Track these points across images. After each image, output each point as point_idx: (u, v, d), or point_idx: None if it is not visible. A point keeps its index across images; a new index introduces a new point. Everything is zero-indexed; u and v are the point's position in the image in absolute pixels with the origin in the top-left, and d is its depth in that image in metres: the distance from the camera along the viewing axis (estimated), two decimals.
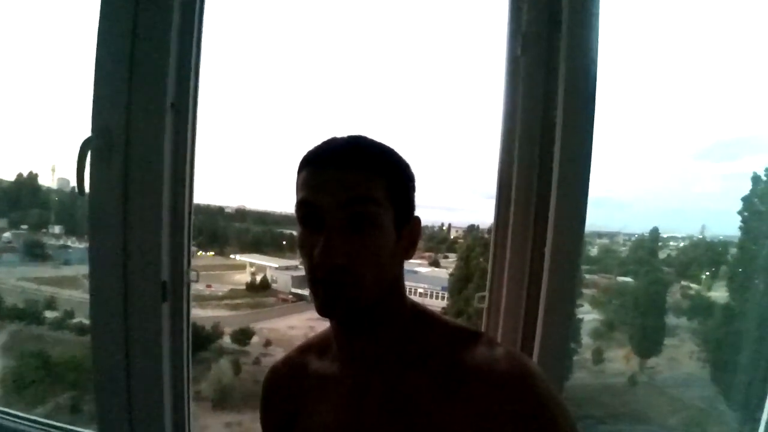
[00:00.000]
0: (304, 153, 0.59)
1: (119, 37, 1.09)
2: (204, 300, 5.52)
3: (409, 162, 0.62)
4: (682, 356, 3.28)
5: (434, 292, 4.27)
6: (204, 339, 4.45)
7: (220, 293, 5.78)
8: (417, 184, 0.63)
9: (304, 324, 5.12)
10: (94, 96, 1.11)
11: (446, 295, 4.05)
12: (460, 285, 3.63)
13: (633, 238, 3.83)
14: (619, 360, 3.47)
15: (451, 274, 4.05)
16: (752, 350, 2.18)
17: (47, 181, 3.59)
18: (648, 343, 3.34)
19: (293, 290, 5.67)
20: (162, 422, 1.15)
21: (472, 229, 4.45)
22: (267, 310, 5.67)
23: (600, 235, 3.80)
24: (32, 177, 3.49)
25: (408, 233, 0.61)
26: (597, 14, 0.95)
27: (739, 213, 2.48)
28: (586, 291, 3.56)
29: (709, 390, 2.77)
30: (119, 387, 1.14)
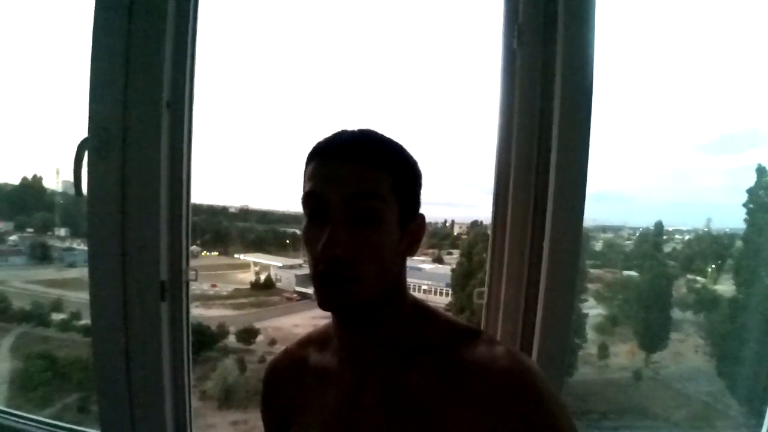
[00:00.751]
0: (313, 144, 0.59)
1: (115, 35, 1.09)
2: (209, 299, 5.55)
3: (417, 159, 0.62)
4: (687, 350, 3.26)
5: (438, 288, 4.27)
6: (209, 338, 4.47)
7: (224, 293, 5.81)
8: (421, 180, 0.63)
9: (309, 322, 5.14)
10: (90, 96, 1.11)
11: (450, 292, 4.05)
12: (463, 281, 3.63)
13: (638, 232, 3.81)
14: (624, 355, 3.46)
15: (453, 270, 4.05)
16: (758, 344, 2.16)
17: (52, 183, 3.62)
18: (653, 337, 3.32)
19: (297, 289, 5.69)
20: (163, 420, 1.16)
21: (475, 224, 4.44)
22: (271, 308, 5.70)
23: (604, 229, 3.78)
24: (37, 180, 3.51)
25: (412, 230, 0.61)
26: (593, 5, 0.94)
27: (744, 205, 2.46)
28: (590, 285, 3.55)
29: (715, 384, 2.75)
30: (120, 386, 1.14)
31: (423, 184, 0.63)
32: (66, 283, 3.93)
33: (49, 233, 3.94)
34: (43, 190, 3.63)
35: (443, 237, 5.33)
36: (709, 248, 3.47)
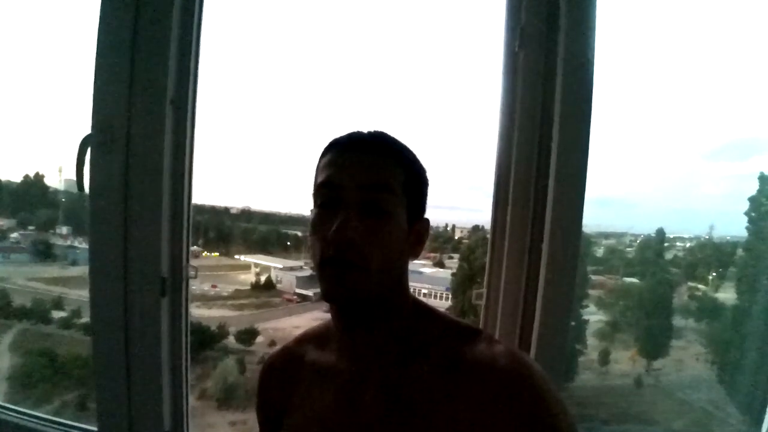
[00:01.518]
0: (329, 140, 0.61)
1: (120, 32, 1.10)
2: (209, 300, 5.55)
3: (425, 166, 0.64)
4: (688, 358, 3.24)
5: (438, 292, 4.26)
6: (209, 338, 4.47)
7: (225, 293, 5.81)
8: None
9: (309, 323, 5.10)
10: (94, 92, 1.12)
11: (450, 296, 4.04)
12: (463, 285, 3.62)
13: (640, 239, 3.80)
14: (625, 361, 3.44)
15: (453, 275, 4.05)
16: (760, 352, 2.15)
17: (54, 181, 3.63)
18: (654, 344, 3.30)
19: (298, 290, 5.69)
20: (161, 416, 1.16)
21: (476, 229, 4.43)
22: (272, 310, 5.70)
23: (606, 235, 3.77)
24: (39, 178, 3.53)
25: (417, 232, 0.62)
26: (595, 8, 0.94)
27: (746, 213, 2.45)
28: (592, 292, 3.54)
29: (716, 392, 2.73)
30: (119, 381, 1.14)
31: (429, 192, 0.65)
32: (67, 281, 3.94)
33: (52, 231, 3.95)
34: (45, 187, 3.64)
35: (444, 241, 5.32)
36: (710, 256, 3.46)
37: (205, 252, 5.83)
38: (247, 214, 6.40)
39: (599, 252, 3.68)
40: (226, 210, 6.28)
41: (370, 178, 0.56)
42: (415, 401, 0.56)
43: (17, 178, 3.55)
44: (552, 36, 0.99)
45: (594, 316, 3.53)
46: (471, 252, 3.86)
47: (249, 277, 6.06)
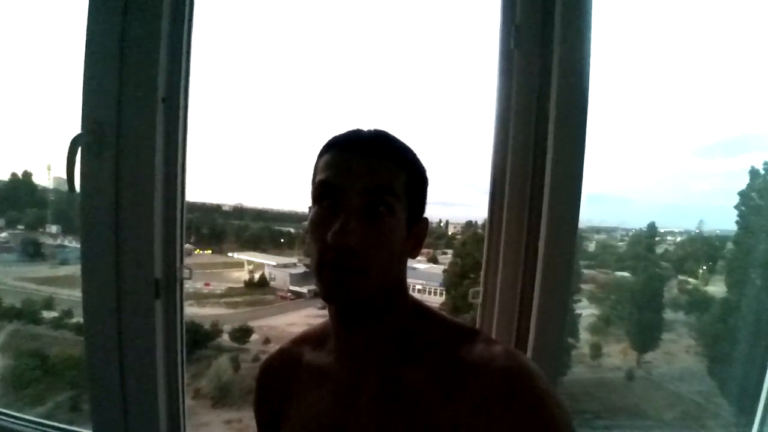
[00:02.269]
0: (329, 138, 0.60)
1: (109, 30, 1.08)
2: (202, 298, 5.52)
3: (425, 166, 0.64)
4: (679, 351, 3.29)
5: (432, 288, 4.27)
6: (203, 337, 4.45)
7: (218, 291, 5.78)
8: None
9: (303, 321, 5.13)
10: (83, 91, 1.10)
11: (443, 291, 4.06)
12: (456, 281, 3.64)
13: (631, 234, 3.84)
14: (617, 355, 3.48)
15: (445, 271, 4.07)
16: (749, 344, 2.18)
17: (43, 180, 3.57)
18: (645, 337, 3.35)
19: (291, 288, 5.68)
20: (157, 420, 1.15)
21: (470, 225, 4.45)
22: (265, 307, 5.68)
23: (598, 230, 3.80)
24: (27, 176, 3.47)
25: (417, 232, 0.62)
26: (591, 7, 0.94)
27: (736, 208, 2.48)
28: (584, 286, 3.57)
29: (706, 384, 2.78)
30: (113, 385, 1.13)
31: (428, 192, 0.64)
32: (57, 281, 3.89)
33: (41, 230, 3.89)
34: (33, 186, 3.58)
35: (438, 237, 5.33)
36: (700, 250, 3.51)
37: (198, 249, 5.79)
38: (239, 211, 6.36)
39: (591, 247, 3.71)
40: (218, 207, 6.23)
41: (372, 181, 0.56)
42: (413, 402, 0.56)
43: (5, 177, 3.49)
44: (547, 34, 0.99)
45: (586, 311, 3.56)
46: (463, 248, 3.88)
47: (242, 275, 6.02)
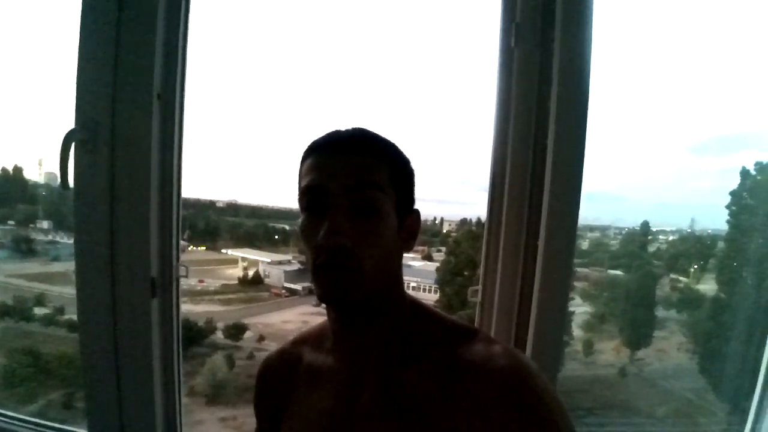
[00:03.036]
0: (309, 143, 0.60)
1: (104, 24, 1.06)
2: (196, 295, 5.49)
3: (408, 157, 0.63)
4: (671, 348, 3.33)
5: (427, 285, 4.29)
6: (197, 334, 4.43)
7: (212, 288, 5.75)
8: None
9: (298, 318, 5.12)
10: (77, 86, 1.08)
11: (437, 289, 4.07)
12: (448, 278, 3.65)
13: (624, 232, 3.87)
14: (610, 352, 3.51)
15: (437, 269, 4.09)
16: (740, 342, 2.21)
17: (34, 175, 3.53)
18: (638, 335, 3.38)
19: (286, 285, 5.66)
20: (153, 419, 1.14)
21: (464, 222, 4.46)
22: (260, 305, 5.67)
23: (591, 228, 3.83)
24: (18, 171, 3.42)
25: (409, 225, 0.62)
26: (591, 4, 0.94)
27: (728, 207, 2.51)
28: (577, 284, 3.59)
29: (698, 381, 2.81)
30: (109, 384, 1.12)
31: (416, 182, 0.64)
32: (49, 278, 3.85)
33: (32, 226, 3.84)
34: (24, 181, 3.53)
35: (433, 234, 5.34)
36: (692, 248, 3.54)
37: (192, 246, 5.75)
38: (233, 208, 6.32)
39: (584, 245, 3.73)
40: (212, 204, 6.19)
41: (356, 179, 0.56)
42: (412, 402, 0.56)
43: None
44: (547, 32, 0.99)
45: (579, 308, 3.59)
46: (457, 245, 3.89)
47: (236, 272, 6.00)
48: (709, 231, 3.43)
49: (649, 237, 3.67)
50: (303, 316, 5.04)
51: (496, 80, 1.06)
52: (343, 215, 0.55)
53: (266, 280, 5.88)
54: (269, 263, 5.94)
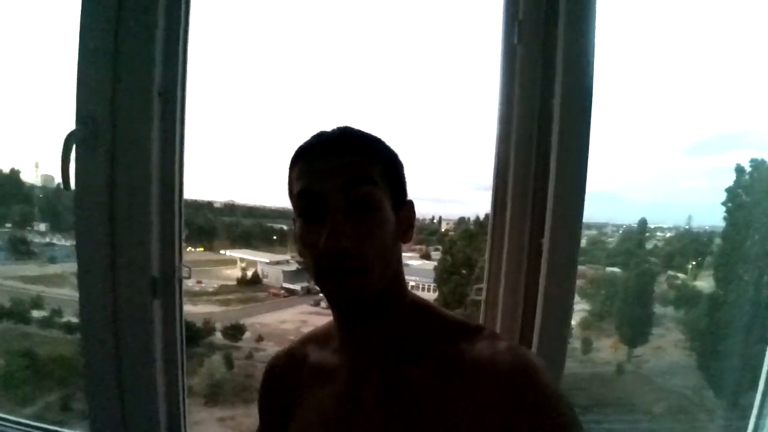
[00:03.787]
0: (295, 148, 0.60)
1: (104, 21, 1.04)
2: (194, 296, 5.47)
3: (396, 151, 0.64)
4: (668, 345, 3.34)
5: (425, 284, 4.29)
6: (195, 335, 4.41)
7: (210, 289, 5.73)
8: (407, 176, 0.65)
9: (296, 318, 5.11)
10: (77, 85, 1.06)
11: (435, 287, 4.07)
12: (445, 277, 3.66)
13: (621, 230, 3.89)
14: (607, 349, 3.53)
15: (435, 268, 4.09)
16: (737, 338, 2.22)
17: (30, 177, 3.51)
18: (635, 332, 3.40)
19: (284, 285, 5.65)
20: (156, 421, 1.13)
21: (462, 221, 4.46)
22: (258, 305, 5.65)
23: (589, 226, 3.84)
24: (14, 173, 3.40)
25: (404, 216, 0.62)
26: (594, 2, 0.94)
27: (724, 204, 2.53)
28: None
29: (695, 378, 2.83)
30: (110, 387, 1.11)
31: (406, 175, 0.65)
32: (46, 279, 3.83)
33: (29, 228, 3.82)
34: (20, 183, 3.51)
35: (430, 233, 5.34)
36: (689, 246, 3.57)
37: (189, 247, 5.72)
38: (230, 208, 6.30)
39: (582, 242, 3.75)
40: (209, 204, 6.16)
41: (350, 176, 0.56)
42: (417, 400, 0.56)
43: None
44: (551, 29, 0.99)
45: (577, 306, 3.60)
46: (453, 244, 3.90)
47: (234, 272, 5.97)
48: (706, 228, 3.45)
49: (647, 234, 3.69)
50: (301, 316, 5.03)
51: (499, 78, 1.06)
52: (342, 216, 0.54)
53: (264, 281, 5.86)
54: (267, 263, 5.92)
